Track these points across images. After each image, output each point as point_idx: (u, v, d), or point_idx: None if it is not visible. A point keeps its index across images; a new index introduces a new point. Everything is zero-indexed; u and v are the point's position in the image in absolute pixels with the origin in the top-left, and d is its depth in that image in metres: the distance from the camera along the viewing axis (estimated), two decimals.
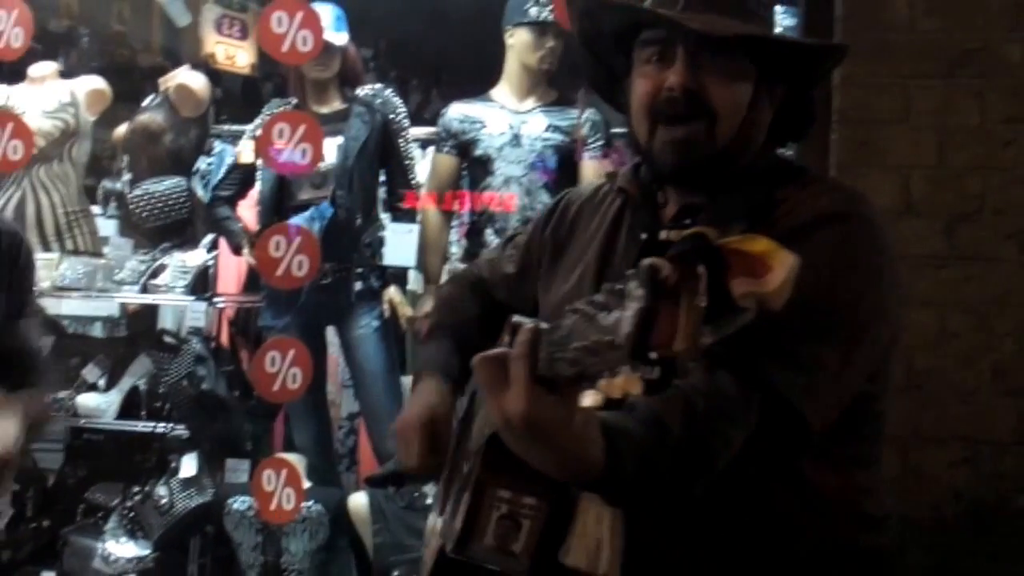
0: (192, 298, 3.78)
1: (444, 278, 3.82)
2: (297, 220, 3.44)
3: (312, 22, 3.12)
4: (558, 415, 1.00)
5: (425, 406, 1.43)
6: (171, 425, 3.74)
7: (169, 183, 3.93)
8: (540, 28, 3.56)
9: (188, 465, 3.63)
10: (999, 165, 2.64)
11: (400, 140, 3.70)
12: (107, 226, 4.36)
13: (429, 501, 3.32)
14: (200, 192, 4.08)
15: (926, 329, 2.58)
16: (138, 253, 3.98)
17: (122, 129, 4.21)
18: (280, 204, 3.58)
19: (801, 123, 1.42)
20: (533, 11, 3.56)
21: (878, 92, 2.64)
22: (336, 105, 3.69)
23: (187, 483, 3.61)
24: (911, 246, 2.54)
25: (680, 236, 0.91)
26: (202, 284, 3.84)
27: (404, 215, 3.74)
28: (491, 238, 3.60)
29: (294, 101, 3.72)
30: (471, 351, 1.45)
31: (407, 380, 3.88)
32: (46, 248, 4.01)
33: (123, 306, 4.40)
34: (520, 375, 0.99)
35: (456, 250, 3.94)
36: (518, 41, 3.61)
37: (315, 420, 3.80)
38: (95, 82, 4.18)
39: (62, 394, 3.77)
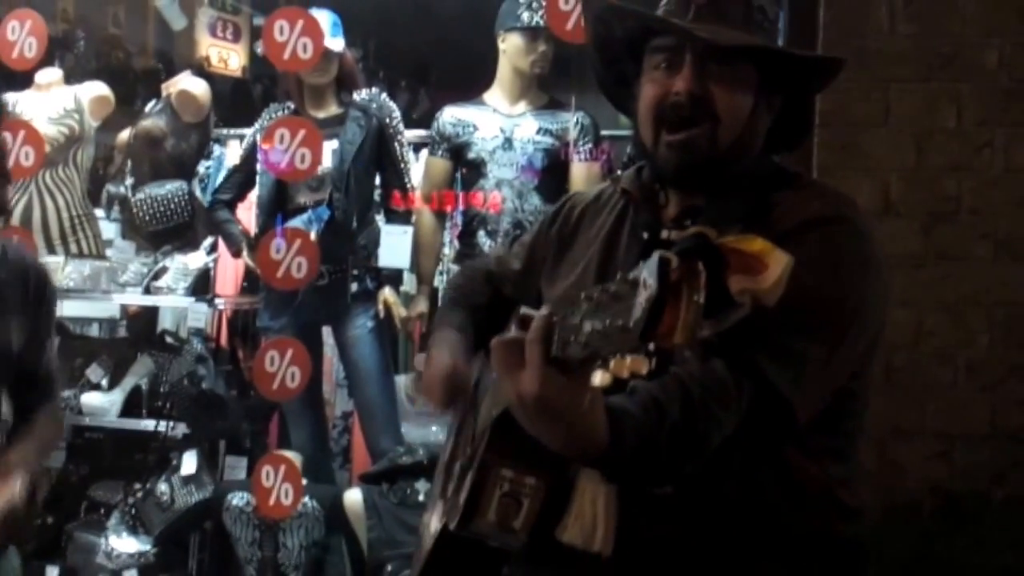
0: (193, 299, 3.81)
1: (437, 280, 3.89)
2: (295, 223, 3.50)
3: (312, 29, 3.17)
4: (568, 396, 1.06)
5: (444, 361, 1.51)
6: (172, 423, 3.77)
7: (171, 187, 3.96)
8: (532, 33, 3.59)
9: (188, 462, 3.67)
10: (975, 167, 2.70)
11: (395, 144, 3.75)
12: (110, 229, 4.39)
13: (422, 498, 3.35)
14: (200, 196, 4.12)
15: (904, 327, 2.64)
16: (140, 256, 4.01)
17: (125, 134, 4.24)
18: (278, 207, 3.62)
19: (796, 132, 1.48)
20: (525, 16, 3.59)
21: (858, 96, 2.70)
22: (333, 110, 3.74)
23: (187, 480, 3.65)
24: (890, 246, 2.55)
25: (681, 235, 0.98)
26: (203, 286, 3.88)
27: (398, 217, 3.78)
28: (483, 240, 3.65)
29: (291, 106, 3.77)
30: (479, 334, 1.52)
31: (401, 379, 3.96)
32: (51, 251, 4.06)
33: (123, 308, 4.45)
34: (535, 358, 1.05)
35: (449, 252, 3.97)
36: (511, 46, 3.64)
37: (311, 418, 3.85)
38: (99, 88, 4.22)
39: (66, 393, 3.79)
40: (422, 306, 3.76)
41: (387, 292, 3.73)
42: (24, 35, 3.43)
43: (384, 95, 3.87)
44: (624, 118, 1.61)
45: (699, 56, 1.36)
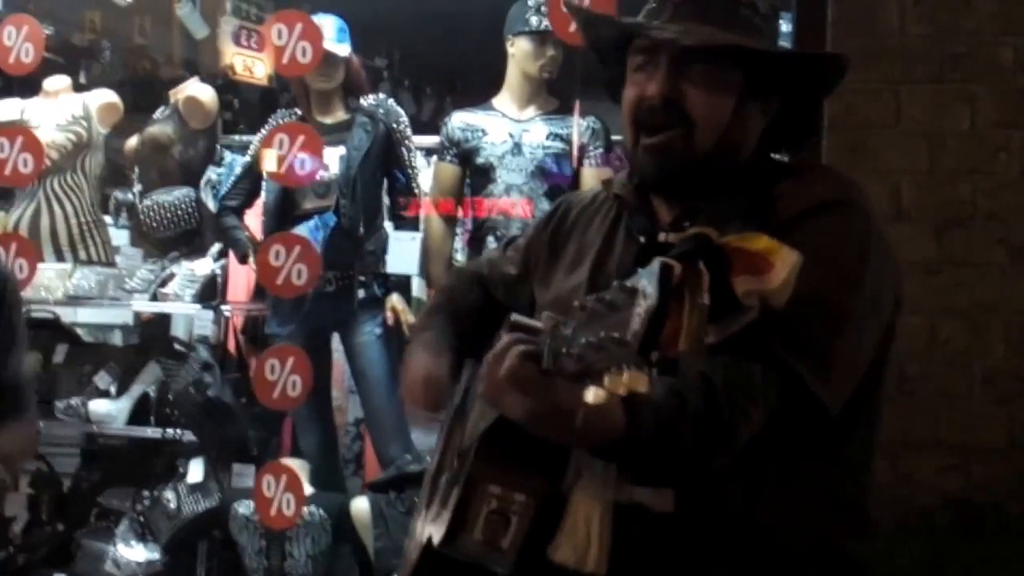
0: (199, 306, 3.81)
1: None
2: (301, 229, 3.49)
3: (311, 33, 3.15)
4: (570, 397, 1.01)
5: (423, 365, 1.48)
6: (179, 431, 3.76)
7: (178, 194, 3.96)
8: (540, 37, 3.58)
9: (195, 470, 3.67)
10: (990, 170, 2.63)
11: (403, 149, 3.74)
12: (119, 236, 4.40)
13: None
14: (210, 202, 4.11)
15: (917, 335, 2.58)
16: (148, 262, 4.01)
17: (133, 141, 4.25)
18: (285, 214, 3.62)
19: (799, 133, 1.44)
20: (534, 20, 3.58)
21: (868, 97, 2.64)
22: (340, 115, 3.73)
23: (194, 488, 3.65)
24: (901, 252, 2.53)
25: (681, 237, 0.93)
26: (210, 292, 3.87)
27: (407, 223, 3.77)
28: (493, 245, 3.60)
29: (299, 112, 3.76)
30: (465, 338, 1.48)
31: None
32: (60, 258, 4.06)
33: (137, 314, 4.45)
34: (525, 376, 1.03)
35: (460, 257, 3.96)
36: (519, 50, 3.63)
37: (319, 425, 3.84)
38: (107, 95, 4.22)
39: (75, 400, 3.81)
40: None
41: (395, 299, 3.71)
42: (21, 40, 3.42)
43: (391, 100, 3.87)
44: None
45: (675, 57, 1.32)
